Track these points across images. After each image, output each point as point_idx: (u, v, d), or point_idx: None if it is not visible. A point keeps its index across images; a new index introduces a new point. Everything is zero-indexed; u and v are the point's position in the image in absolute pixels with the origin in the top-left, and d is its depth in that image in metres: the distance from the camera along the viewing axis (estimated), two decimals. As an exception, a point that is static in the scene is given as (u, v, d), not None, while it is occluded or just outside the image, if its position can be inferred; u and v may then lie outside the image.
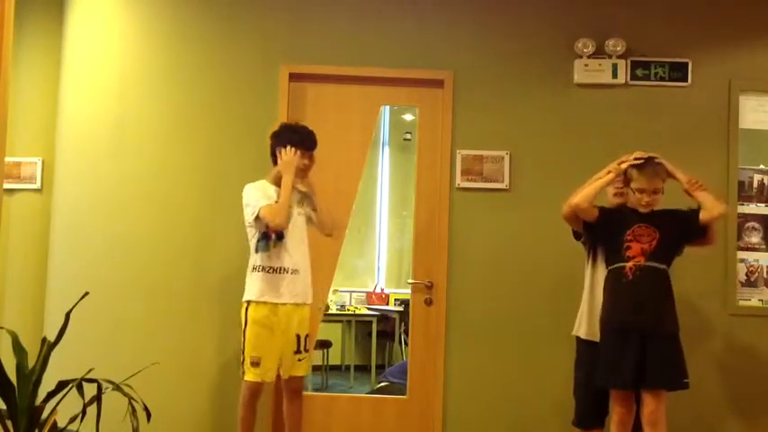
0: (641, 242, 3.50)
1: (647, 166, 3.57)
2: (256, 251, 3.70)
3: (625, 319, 3.51)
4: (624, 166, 3.60)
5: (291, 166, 3.70)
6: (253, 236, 3.71)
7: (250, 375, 3.65)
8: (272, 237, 3.66)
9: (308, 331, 3.82)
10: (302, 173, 3.79)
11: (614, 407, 3.59)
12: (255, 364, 3.62)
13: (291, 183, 3.68)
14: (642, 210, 3.57)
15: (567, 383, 4.22)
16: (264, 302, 3.66)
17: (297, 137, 3.76)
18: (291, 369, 3.74)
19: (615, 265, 3.56)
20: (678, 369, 3.48)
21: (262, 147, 3.89)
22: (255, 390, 3.68)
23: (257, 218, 3.62)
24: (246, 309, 3.68)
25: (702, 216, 3.50)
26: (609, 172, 3.59)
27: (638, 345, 3.44)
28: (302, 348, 3.76)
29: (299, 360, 3.76)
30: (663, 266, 3.50)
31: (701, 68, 4.36)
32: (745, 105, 4.35)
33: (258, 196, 3.67)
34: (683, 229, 3.53)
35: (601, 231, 3.64)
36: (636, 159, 3.58)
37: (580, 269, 4.23)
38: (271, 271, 3.67)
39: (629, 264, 3.50)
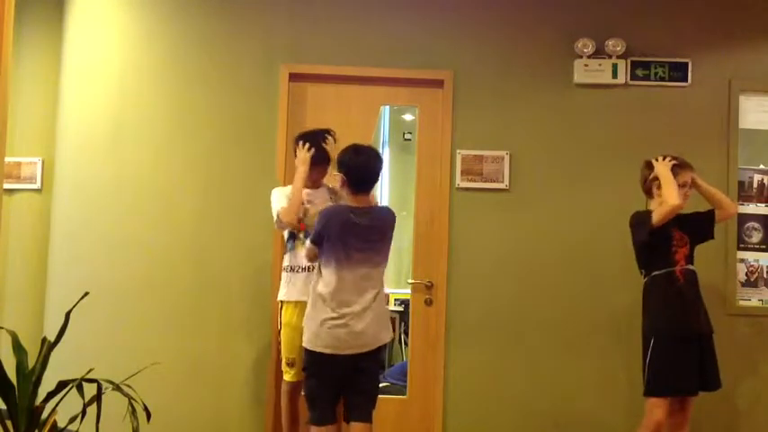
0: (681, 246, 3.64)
1: None
2: (285, 252, 3.76)
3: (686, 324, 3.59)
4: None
5: (303, 164, 3.69)
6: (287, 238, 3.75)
7: (287, 376, 3.69)
8: (298, 236, 3.68)
9: None
10: (322, 171, 3.79)
11: (657, 412, 3.52)
12: (291, 364, 3.66)
13: (300, 180, 3.65)
14: None
15: (567, 383, 4.23)
16: (288, 302, 3.67)
17: (310, 135, 3.79)
18: None
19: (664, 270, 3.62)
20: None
21: (262, 146, 3.89)
22: (293, 389, 3.71)
23: (278, 219, 3.64)
24: (280, 309, 3.72)
25: None
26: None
27: (698, 349, 3.53)
28: None
29: None
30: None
31: (701, 68, 4.36)
32: (745, 105, 4.35)
33: (277, 198, 3.69)
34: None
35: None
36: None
37: (579, 269, 4.25)
38: (296, 270, 3.67)
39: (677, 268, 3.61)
